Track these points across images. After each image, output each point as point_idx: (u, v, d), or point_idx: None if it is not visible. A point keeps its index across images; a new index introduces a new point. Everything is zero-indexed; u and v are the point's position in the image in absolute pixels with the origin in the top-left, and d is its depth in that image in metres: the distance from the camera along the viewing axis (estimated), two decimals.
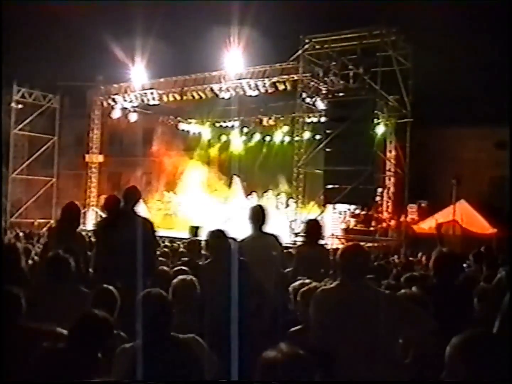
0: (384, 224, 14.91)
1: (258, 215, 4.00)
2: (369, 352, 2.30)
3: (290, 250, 7.14)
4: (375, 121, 13.37)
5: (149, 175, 21.30)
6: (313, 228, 4.64)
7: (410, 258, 9.56)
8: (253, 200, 15.76)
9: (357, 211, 15.27)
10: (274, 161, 17.09)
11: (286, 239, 12.21)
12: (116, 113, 15.92)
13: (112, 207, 4.23)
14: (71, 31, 17.85)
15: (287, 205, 14.85)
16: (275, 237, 4.06)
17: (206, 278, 3.34)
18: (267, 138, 17.82)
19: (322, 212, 12.95)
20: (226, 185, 16.94)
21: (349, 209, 15.13)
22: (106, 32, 14.23)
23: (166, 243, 7.91)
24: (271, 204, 15.25)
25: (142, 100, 15.37)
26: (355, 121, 11.40)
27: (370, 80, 12.19)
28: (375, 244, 12.12)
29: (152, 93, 15.10)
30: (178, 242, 8.49)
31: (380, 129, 14.73)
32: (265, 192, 16.05)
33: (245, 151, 18.12)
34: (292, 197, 13.73)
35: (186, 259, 5.01)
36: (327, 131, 12.52)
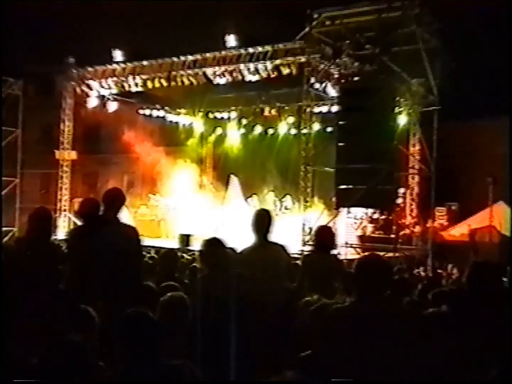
0: (407, 231, 14.93)
1: (262, 222, 4.03)
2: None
3: (298, 261, 7.15)
4: (396, 109, 13.38)
5: (131, 175, 21.38)
6: (324, 236, 4.69)
7: (439, 271, 9.59)
8: (254, 203, 15.87)
9: (375, 216, 15.29)
10: (278, 158, 17.15)
11: (293, 248, 12.24)
12: (92, 102, 15.76)
13: (88, 213, 4.26)
14: (36, 4, 17.40)
15: (294, 209, 14.91)
16: (281, 247, 4.10)
17: (200, 295, 3.39)
18: (270, 131, 17.85)
19: (334, 217, 12.99)
20: (222, 186, 17.03)
21: (365, 213, 15.13)
22: (78, 5, 14.21)
23: (152, 254, 7.93)
24: (275, 208, 15.36)
25: (123, 87, 15.33)
26: (373, 110, 11.41)
27: (390, 61, 12.20)
28: (397, 254, 12.13)
29: (134, 78, 15.09)
30: None
31: (402, 119, 14.75)
32: (267, 194, 16.12)
33: (244, 146, 18.17)
34: (299, 200, 13.76)
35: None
36: (340, 123, 12.51)
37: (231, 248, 3.75)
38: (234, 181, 16.47)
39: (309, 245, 12.30)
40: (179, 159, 17.59)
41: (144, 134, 17.47)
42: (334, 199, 12.79)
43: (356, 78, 12.66)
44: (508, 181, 11.85)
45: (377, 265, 2.58)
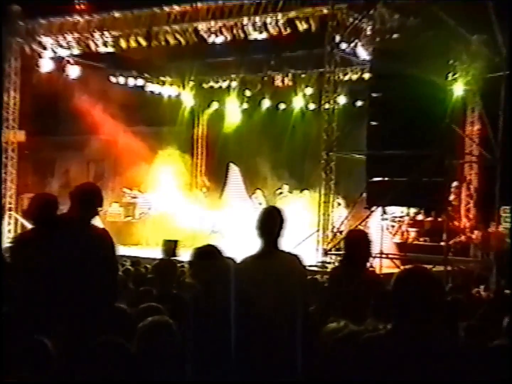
0: (462, 237, 14.89)
1: (271, 224, 4.06)
2: None
3: (317, 276, 7.16)
4: (450, 77, 13.32)
5: (100, 164, 21.47)
6: (355, 244, 4.73)
7: (506, 291, 9.52)
8: (260, 200, 15.99)
9: (419, 217, 15.35)
10: (291, 141, 17.31)
11: (311, 259, 12.43)
12: (46, 66, 15.55)
13: (41, 213, 4.27)
14: None
15: (313, 208, 15.03)
16: (295, 258, 4.14)
17: (190, 319, 3.46)
18: (281, 106, 17.97)
19: (364, 218, 13.09)
20: (219, 178, 17.19)
21: (406, 214, 15.19)
22: None
23: (127, 266, 8.02)
24: (288, 206, 15.38)
25: (88, 46, 15.32)
26: (417, 78, 11.41)
27: (442, 11, 12.13)
28: (449, 268, 12.12)
29: (103, 35, 15.04)
30: (146, 265, 8.59)
31: (457, 89, 14.62)
32: (278, 188, 16.16)
33: (248, 126, 18.29)
34: (319, 196, 13.80)
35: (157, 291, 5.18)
36: (373, 95, 12.57)
37: (230, 258, 3.79)
38: (235, 171, 16.61)
39: (333, 254, 12.38)
40: (163, 142, 17.75)
41: (116, 110, 17.53)
42: (364, 195, 12.89)
43: (395, 36, 12.68)
44: None
45: (423, 282, 2.58)
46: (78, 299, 3.65)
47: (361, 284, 4.48)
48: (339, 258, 11.14)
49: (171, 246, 13.55)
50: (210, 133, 19.58)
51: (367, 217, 13.11)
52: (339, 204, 14.94)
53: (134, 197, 17.06)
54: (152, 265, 6.07)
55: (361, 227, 12.45)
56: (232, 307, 3.45)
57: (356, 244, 4.72)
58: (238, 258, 4.10)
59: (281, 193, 16.40)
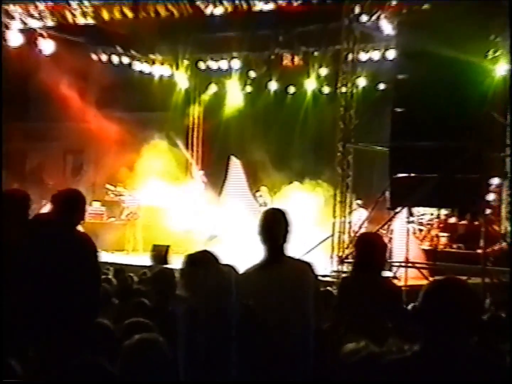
0: (503, 244, 14.84)
1: (275, 228, 4.12)
2: None
3: (330, 288, 7.17)
4: (490, 54, 13.20)
5: (78, 156, 21.48)
6: (371, 250, 4.75)
7: None
8: (264, 199, 16.09)
9: (452, 220, 15.30)
10: (302, 131, 17.37)
11: (324, 267, 12.46)
12: (14, 39, 15.66)
13: (10, 212, 4.30)
14: None
15: (327, 209, 15.00)
16: (306, 266, 4.18)
17: (183, 336, 3.45)
18: (291, 89, 17.97)
19: (387, 220, 13.11)
20: (218, 173, 17.22)
21: (436, 216, 15.14)
22: None
23: (110, 276, 8.05)
24: (297, 207, 15.39)
25: (63, 17, 15.30)
26: (450, 57, 11.38)
27: None
28: (487, 280, 12.08)
29: (81, 4, 14.99)
30: (131, 274, 8.62)
31: (498, 70, 14.47)
32: (286, 185, 16.25)
33: (252, 113, 18.32)
34: (334, 195, 13.87)
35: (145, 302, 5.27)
36: (399, 77, 12.57)
37: (229, 266, 3.84)
38: (236, 165, 16.65)
39: (349, 262, 12.40)
40: (153, 131, 17.79)
41: (98, 92, 17.56)
42: (387, 193, 12.90)
43: (425, 6, 12.62)
44: None
45: (457, 296, 2.57)
46: (54, 312, 3.66)
47: (376, 296, 4.53)
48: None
49: (161, 252, 13.66)
50: (207, 121, 19.51)
51: (390, 219, 13.11)
52: (358, 204, 15.00)
53: (119, 195, 17.07)
54: (150, 273, 6.07)
55: (382, 231, 12.53)
56: (232, 324, 3.47)
57: (368, 249, 4.75)
58: (239, 266, 4.10)
59: (289, 190, 16.39)
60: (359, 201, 15.10)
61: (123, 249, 15.92)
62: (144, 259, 13.92)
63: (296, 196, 15.50)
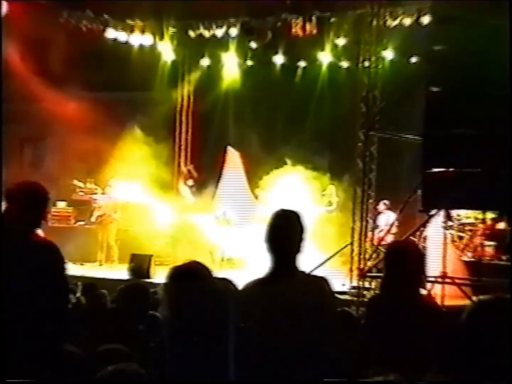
0: None
1: (286, 234, 4.14)
2: None
3: (349, 309, 7.16)
4: None
5: (39, 145, 21.48)
6: (406, 262, 4.66)
7: None
8: (268, 198, 16.04)
9: (501, 225, 15.21)
10: (315, 115, 17.38)
11: (341, 283, 12.59)
12: None
13: None
14: None
15: (344, 212, 15.13)
16: (321, 281, 4.18)
17: (169, 366, 3.46)
18: (301, 64, 18.00)
19: (420, 226, 13.09)
20: (212, 166, 17.41)
21: (481, 221, 15.06)
22: None
23: (78, 293, 8.06)
24: (307, 208, 15.44)
25: None
26: (499, 24, 11.34)
27: None
28: None
29: None
30: (104, 291, 8.59)
31: None
32: (295, 181, 16.21)
33: (253, 92, 18.31)
34: (354, 193, 13.88)
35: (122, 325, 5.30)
36: (435, 48, 12.52)
37: (225, 281, 3.85)
38: (233, 158, 16.83)
39: (373, 276, 12.37)
40: (132, 115, 17.87)
41: (65, 66, 17.46)
42: (419, 192, 12.89)
43: None
44: None
45: (508, 320, 2.57)
46: (11, 336, 3.66)
47: (412, 320, 4.47)
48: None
49: (141, 264, 13.69)
50: (199, 102, 19.36)
51: (423, 224, 13.05)
52: (384, 204, 14.97)
53: (89, 193, 17.16)
54: (117, 290, 6.08)
55: (413, 239, 12.54)
56: (227, 354, 3.47)
57: (401, 262, 4.67)
58: (239, 282, 4.11)
59: (296, 188, 16.39)
60: (385, 202, 15.10)
61: (94, 259, 15.96)
62: (121, 272, 13.92)
63: (304, 197, 15.59)
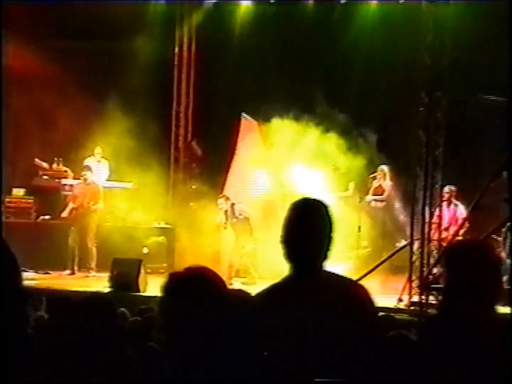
0: None
1: (311, 229, 4.27)
2: None
3: (407, 332, 7.13)
4: None
5: None
6: (476, 270, 4.56)
7: None
8: (296, 180, 16.26)
9: None
10: (360, 68, 17.33)
11: (397, 299, 12.64)
12: None
13: None
14: None
15: (399, 203, 15.40)
16: (357, 288, 4.33)
17: None
18: None
19: (503, 222, 13.05)
20: (220, 140, 17.44)
21: None
22: None
23: (41, 311, 8.03)
24: (346, 197, 15.83)
25: None
26: None
27: None
28: None
29: None
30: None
31: None
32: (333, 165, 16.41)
33: (275, 38, 18.31)
34: (415, 180, 13.76)
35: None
36: None
37: (240, 292, 4.17)
38: (251, 129, 16.97)
39: (439, 289, 12.27)
40: (114, 71, 18.02)
41: (19, 9, 17.47)
42: (504, 175, 12.87)
43: None
44: None
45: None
46: None
47: (484, 348, 4.40)
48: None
49: (127, 271, 13.58)
50: (202, 52, 19.45)
51: (502, 224, 13.02)
52: (449, 191, 14.93)
53: (57, 177, 17.27)
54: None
55: (494, 239, 12.51)
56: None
57: (471, 270, 4.60)
58: (253, 290, 4.33)
59: (336, 169, 16.61)
60: (451, 188, 15.01)
61: (64, 267, 15.95)
62: (100, 284, 13.88)
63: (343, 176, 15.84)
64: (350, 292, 4.27)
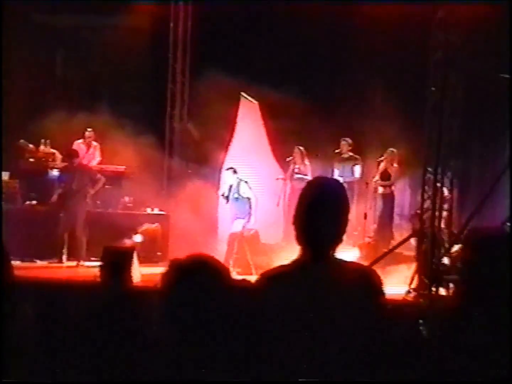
0: None
1: (323, 211, 4.29)
2: None
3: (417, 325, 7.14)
4: None
5: None
6: (493, 260, 4.62)
7: None
8: (299, 167, 16.67)
9: None
10: (364, 41, 17.22)
11: (405, 291, 12.66)
12: None
13: None
14: None
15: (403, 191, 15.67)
16: (365, 272, 4.36)
17: None
18: None
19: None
20: (219, 117, 17.36)
21: None
22: None
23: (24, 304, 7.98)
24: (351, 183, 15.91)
25: None
26: None
27: None
28: None
29: None
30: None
31: None
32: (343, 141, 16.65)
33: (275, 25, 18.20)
34: (424, 167, 13.65)
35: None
36: None
37: (246, 283, 4.19)
38: (249, 109, 17.12)
39: (452, 280, 12.24)
40: (106, 49, 18.13)
41: None
42: None
43: None
44: None
45: None
46: None
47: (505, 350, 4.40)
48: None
49: (119, 260, 13.49)
50: (199, 29, 19.37)
51: None
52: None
53: (44, 160, 17.16)
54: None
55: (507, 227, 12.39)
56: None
57: (487, 259, 4.63)
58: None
59: (339, 153, 16.93)
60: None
61: (52, 255, 15.95)
62: (91, 273, 13.84)
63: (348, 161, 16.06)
64: (365, 278, 4.26)
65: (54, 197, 16.46)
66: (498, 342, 4.45)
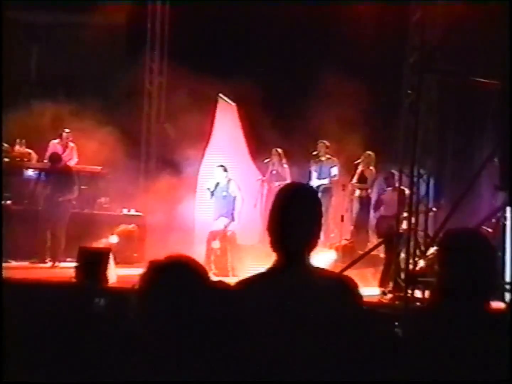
0: None
1: (296, 217, 4.27)
2: None
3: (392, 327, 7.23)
4: None
5: None
6: (469, 260, 4.61)
7: None
8: (276, 167, 16.71)
9: None
10: (340, 43, 17.19)
11: (380, 292, 12.80)
12: None
13: None
14: None
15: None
16: (342, 282, 4.33)
17: None
18: None
19: (495, 211, 13.13)
20: (198, 118, 17.30)
21: None
22: None
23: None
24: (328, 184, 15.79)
25: None
26: None
27: None
28: None
29: None
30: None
31: None
32: (320, 143, 16.59)
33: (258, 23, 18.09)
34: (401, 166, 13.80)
35: None
36: None
37: (221, 284, 3.88)
38: (228, 112, 17.10)
39: (427, 282, 12.29)
40: (85, 47, 18.13)
41: None
42: (495, 161, 12.94)
43: None
44: None
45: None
46: None
47: (478, 343, 4.46)
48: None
49: (95, 261, 13.38)
50: (176, 29, 19.37)
51: (500, 209, 12.96)
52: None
53: (19, 159, 17.27)
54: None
55: (485, 229, 12.44)
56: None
57: (463, 259, 4.65)
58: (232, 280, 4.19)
59: (317, 155, 17.00)
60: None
61: (29, 256, 15.86)
62: (67, 273, 13.81)
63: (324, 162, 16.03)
64: (339, 284, 4.28)
65: (38, 200, 16.47)
66: (475, 342, 4.45)
